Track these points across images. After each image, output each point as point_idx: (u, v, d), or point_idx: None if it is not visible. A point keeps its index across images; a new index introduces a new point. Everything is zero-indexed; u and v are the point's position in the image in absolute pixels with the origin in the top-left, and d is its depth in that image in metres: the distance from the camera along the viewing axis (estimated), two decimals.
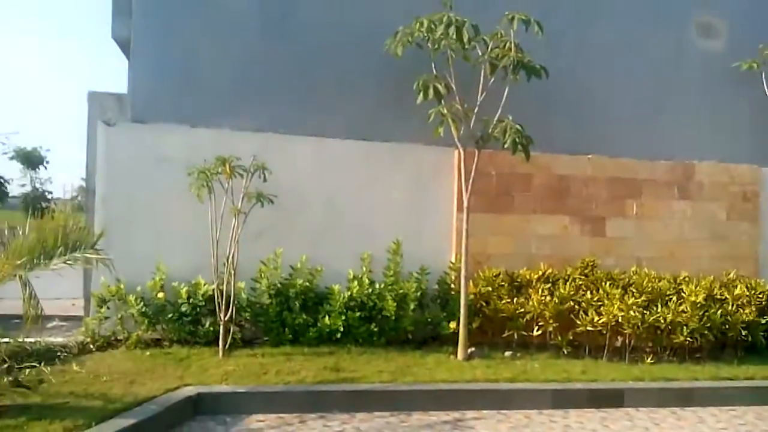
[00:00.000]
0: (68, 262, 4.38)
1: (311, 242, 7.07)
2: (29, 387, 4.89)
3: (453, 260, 7.30)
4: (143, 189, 6.73)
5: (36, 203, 26.73)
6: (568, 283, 7.04)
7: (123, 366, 5.69)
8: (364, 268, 6.99)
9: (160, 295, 6.41)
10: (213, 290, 6.32)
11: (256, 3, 7.27)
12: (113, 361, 5.86)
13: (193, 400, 5.03)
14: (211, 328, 6.41)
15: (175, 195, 6.50)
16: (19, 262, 4.10)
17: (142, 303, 6.38)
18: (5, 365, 5.26)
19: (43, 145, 21.51)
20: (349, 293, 6.72)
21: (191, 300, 6.42)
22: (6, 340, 5.72)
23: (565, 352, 6.78)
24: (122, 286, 6.39)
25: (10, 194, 23.38)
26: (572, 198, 7.85)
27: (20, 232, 4.73)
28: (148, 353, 6.13)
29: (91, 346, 6.25)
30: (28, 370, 5.18)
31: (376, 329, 6.72)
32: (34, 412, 4.33)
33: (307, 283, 6.80)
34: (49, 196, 27.83)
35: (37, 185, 25.74)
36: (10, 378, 4.98)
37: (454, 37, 6.26)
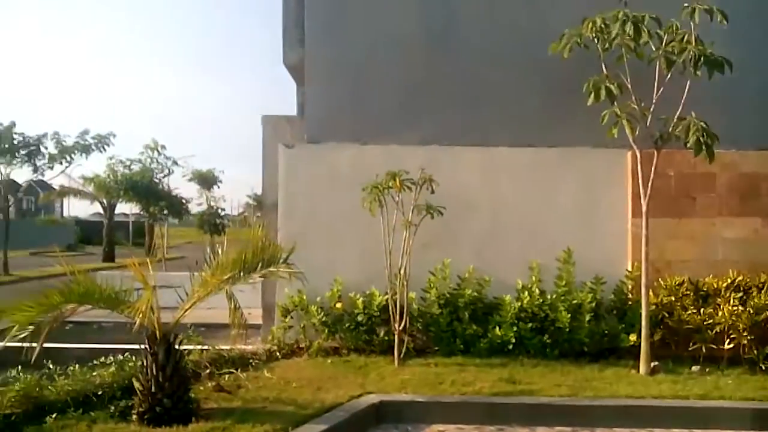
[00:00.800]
0: (264, 275, 4.74)
1: (477, 252, 7.07)
2: (230, 392, 5.33)
3: (629, 268, 6.94)
4: (320, 205, 7.12)
5: (211, 220, 29.17)
6: (763, 292, 6.43)
7: (308, 373, 6.03)
8: (533, 278, 6.86)
9: (338, 305, 6.72)
10: (387, 300, 6.52)
11: (419, 22, 7.46)
12: (298, 368, 6.23)
13: (376, 408, 5.20)
14: (386, 337, 6.61)
15: (348, 210, 6.79)
16: (225, 277, 4.50)
17: (322, 313, 6.72)
18: (207, 371, 5.81)
19: (216, 166, 23.89)
20: (519, 304, 6.63)
21: (366, 310, 6.66)
22: (205, 347, 6.32)
23: (763, 367, 6.20)
24: (304, 297, 6.78)
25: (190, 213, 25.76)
26: (764, 198, 7.17)
27: (219, 250, 5.19)
28: (329, 361, 6.45)
29: (278, 354, 6.69)
30: (227, 376, 5.68)
31: (548, 341, 6.57)
32: (236, 415, 4.70)
33: (476, 293, 6.80)
34: (222, 213, 30.33)
35: (212, 203, 28.13)
36: (213, 383, 5.48)
37: (631, 33, 5.98)
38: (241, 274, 4.62)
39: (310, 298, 6.81)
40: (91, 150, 28.71)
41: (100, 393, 4.95)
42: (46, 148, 27.28)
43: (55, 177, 30.23)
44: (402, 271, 6.38)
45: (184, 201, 22.65)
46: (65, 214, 60.42)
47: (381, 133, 7.25)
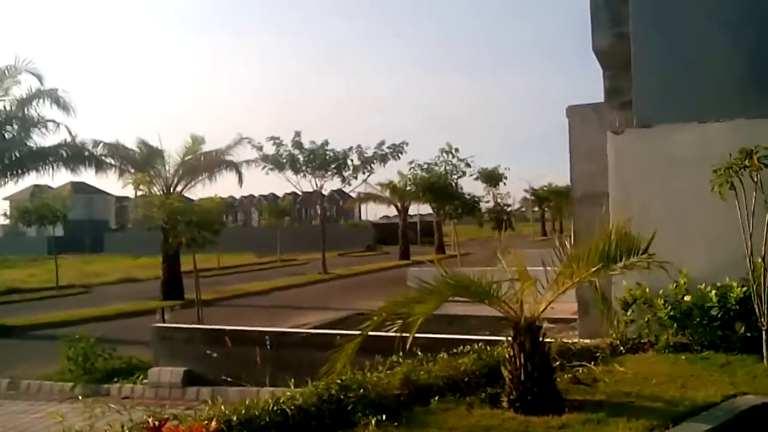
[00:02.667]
0: (626, 266, 4.62)
1: None
2: (588, 384, 5.30)
3: None
4: (656, 192, 6.73)
5: (498, 217, 29.75)
6: None
7: (663, 369, 5.72)
8: None
9: (687, 298, 6.26)
10: (746, 293, 5.89)
11: None
12: (650, 364, 5.95)
13: (758, 410, 4.71)
14: (747, 333, 5.97)
15: (690, 195, 6.32)
16: (594, 268, 4.49)
17: (669, 307, 6.33)
18: (557, 363, 5.84)
19: (501, 163, 24.40)
20: None
21: (721, 303, 6.09)
22: (549, 339, 6.38)
23: None
24: (647, 290, 6.46)
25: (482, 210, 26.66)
26: None
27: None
28: (682, 357, 6.04)
29: (621, 349, 6.47)
30: (580, 369, 5.65)
31: None
32: (606, 408, 4.64)
33: None
34: (508, 210, 30.80)
35: (498, 200, 28.73)
36: (569, 375, 5.50)
37: None
38: (606, 265, 4.55)
39: (652, 291, 6.46)
40: (388, 158, 31.46)
41: (465, 379, 5.30)
42: (352, 160, 30.59)
43: (359, 185, 33.68)
44: (765, 260, 5.70)
45: (476, 199, 23.44)
46: (362, 218, 67.00)
47: (723, 110, 6.58)
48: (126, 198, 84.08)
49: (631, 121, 10.38)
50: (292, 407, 4.37)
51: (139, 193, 18.09)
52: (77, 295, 25.87)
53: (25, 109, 16.98)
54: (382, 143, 31.16)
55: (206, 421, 3.78)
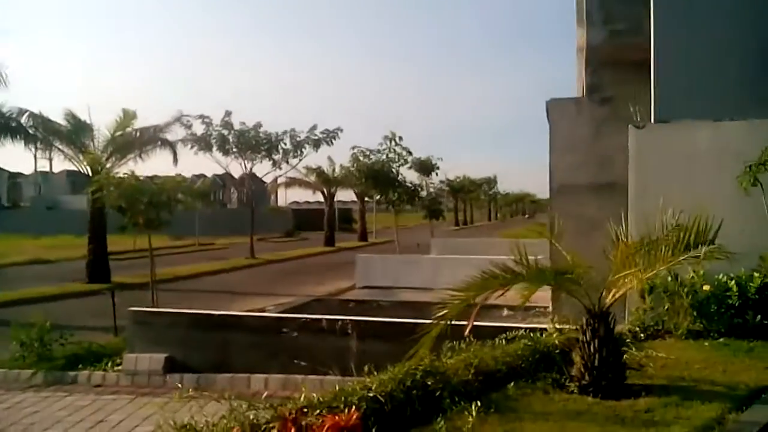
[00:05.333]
0: (706, 256, 4.79)
1: None
2: (637, 369, 5.45)
3: None
4: (674, 184, 7.00)
5: (432, 206, 30.18)
6: None
7: (693, 355, 5.96)
8: None
9: (705, 287, 6.57)
10: (763, 282, 6.27)
11: None
12: (677, 350, 6.18)
13: None
14: (764, 321, 6.35)
15: (707, 188, 6.61)
16: (674, 260, 4.63)
17: (690, 296, 6.62)
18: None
19: (434, 154, 24.63)
20: None
21: (740, 292, 6.44)
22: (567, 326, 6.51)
23: None
24: (668, 279, 6.72)
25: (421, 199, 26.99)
26: None
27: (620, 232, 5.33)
28: (705, 344, 6.34)
29: (641, 335, 6.71)
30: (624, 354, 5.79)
31: None
32: (673, 392, 4.79)
33: None
34: (440, 200, 31.39)
35: (431, 190, 29.18)
36: (611, 358, 5.63)
37: None
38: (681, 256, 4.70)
39: (670, 280, 6.74)
40: (321, 144, 31.07)
41: (522, 365, 5.32)
42: (285, 143, 29.98)
43: (289, 171, 33.10)
44: None
45: (415, 188, 23.64)
46: (278, 203, 65.90)
47: (738, 109, 6.94)
48: (19, 174, 78.59)
49: (611, 117, 10.71)
50: (382, 394, 4.22)
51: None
52: None
53: None
54: (314, 127, 30.80)
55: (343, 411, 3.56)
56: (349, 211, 61.76)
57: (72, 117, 19.70)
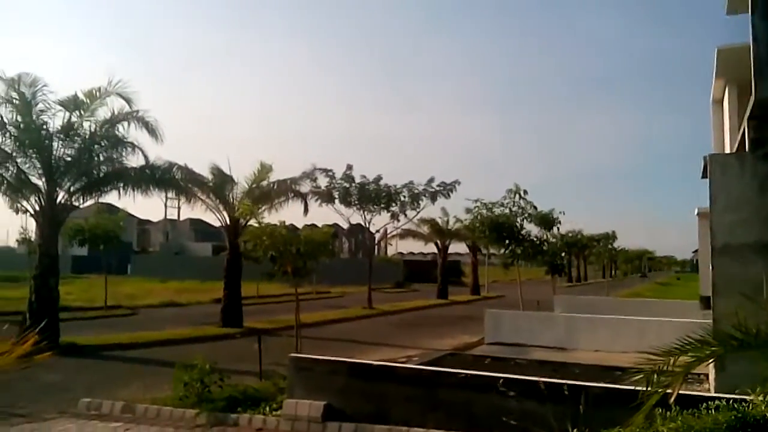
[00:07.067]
0: None
1: None
2: None
3: None
4: None
5: (553, 261, 29.41)
6: None
7: None
8: None
9: None
10: None
11: None
12: None
13: None
14: None
15: None
16: None
17: None
18: None
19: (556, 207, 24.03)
20: None
21: None
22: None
23: None
24: None
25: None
26: None
27: None
28: None
29: None
30: None
31: None
32: None
33: None
34: (563, 255, 30.55)
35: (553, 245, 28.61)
36: None
37: None
38: None
39: None
40: (437, 196, 31.41)
41: None
42: (404, 196, 30.54)
43: (406, 223, 33.56)
44: None
45: (540, 242, 23.25)
46: (387, 253, 66.75)
47: None
48: (148, 221, 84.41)
49: None
50: None
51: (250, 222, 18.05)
52: (127, 316, 25.61)
53: (114, 129, 16.96)
54: (432, 180, 31.21)
55: None
56: (458, 263, 61.44)
57: (217, 170, 21.11)
